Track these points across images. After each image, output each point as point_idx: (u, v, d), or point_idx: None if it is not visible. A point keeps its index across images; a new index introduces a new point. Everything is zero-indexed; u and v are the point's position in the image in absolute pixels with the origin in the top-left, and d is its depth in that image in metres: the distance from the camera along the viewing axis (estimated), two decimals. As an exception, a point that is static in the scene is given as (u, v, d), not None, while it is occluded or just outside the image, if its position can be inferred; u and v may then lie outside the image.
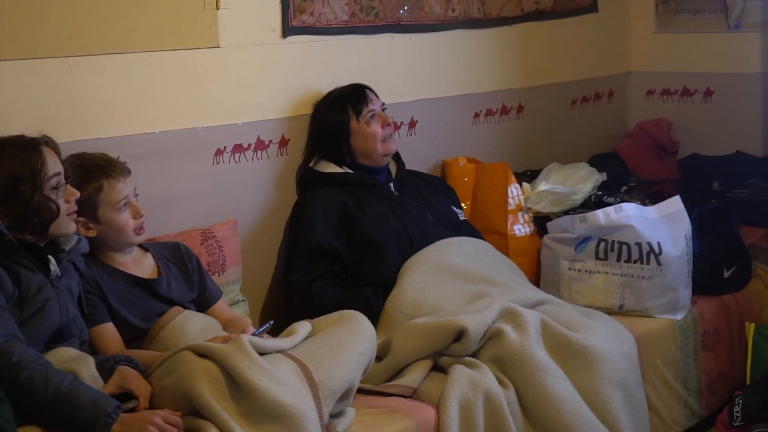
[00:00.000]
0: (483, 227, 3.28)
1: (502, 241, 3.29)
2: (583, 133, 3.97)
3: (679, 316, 3.13)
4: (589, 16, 3.92)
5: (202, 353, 2.16)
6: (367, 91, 3.07)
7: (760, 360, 3.20)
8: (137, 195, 2.47)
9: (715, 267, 3.34)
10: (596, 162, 3.76)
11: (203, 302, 2.57)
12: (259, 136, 2.97)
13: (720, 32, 3.90)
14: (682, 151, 4.00)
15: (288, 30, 3.00)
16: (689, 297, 3.19)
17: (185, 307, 2.47)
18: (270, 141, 3.00)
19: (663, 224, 3.21)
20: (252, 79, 2.95)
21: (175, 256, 2.56)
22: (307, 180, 3.05)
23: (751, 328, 3.25)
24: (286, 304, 2.92)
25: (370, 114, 3.03)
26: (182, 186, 2.80)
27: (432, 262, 2.91)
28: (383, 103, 3.08)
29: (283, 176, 3.05)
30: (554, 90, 3.86)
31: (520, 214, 3.37)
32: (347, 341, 2.35)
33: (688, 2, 3.94)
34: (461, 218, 3.18)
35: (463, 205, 3.32)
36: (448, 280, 2.88)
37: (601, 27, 3.98)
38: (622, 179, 3.72)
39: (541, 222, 3.37)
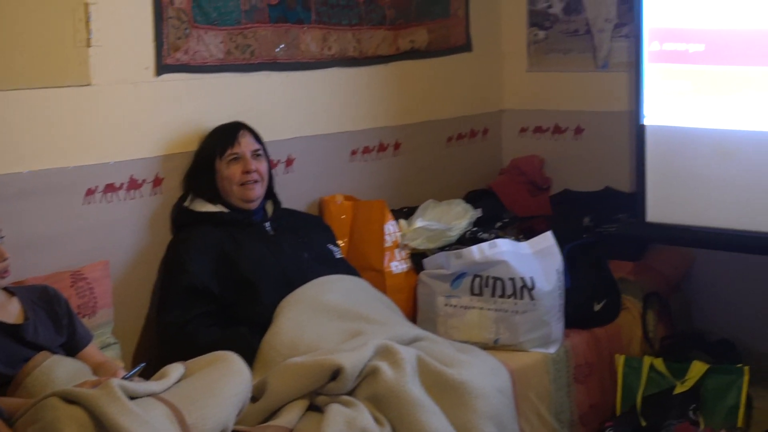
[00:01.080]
0: (360, 264, 3.29)
1: (378, 278, 3.31)
2: (458, 169, 4.04)
3: (552, 350, 3.19)
4: (464, 55, 4.00)
5: (69, 399, 2.10)
6: (240, 133, 3.05)
7: (629, 391, 3.29)
8: (2, 237, 2.40)
9: (586, 301, 3.42)
10: (472, 198, 3.83)
11: (73, 346, 2.50)
12: (132, 175, 2.92)
13: (589, 72, 4.02)
14: (555, 187, 4.10)
15: (162, 68, 2.98)
16: (562, 330, 3.26)
17: (53, 352, 2.41)
18: (144, 180, 2.96)
19: (536, 259, 3.28)
20: (125, 117, 2.91)
21: (42, 299, 2.49)
22: (181, 219, 3.02)
23: (620, 360, 3.34)
24: (160, 345, 2.87)
25: (232, 156, 3.02)
26: (51, 227, 2.74)
27: (308, 300, 2.91)
28: (260, 147, 3.07)
29: (157, 216, 3.01)
30: (430, 127, 3.91)
31: (396, 251, 3.40)
32: (221, 383, 2.32)
33: (558, 42, 4.06)
34: (338, 256, 3.19)
35: (340, 242, 3.33)
36: (324, 319, 2.88)
37: (476, 66, 4.06)
38: (497, 215, 3.78)
39: (417, 258, 3.40)
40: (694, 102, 3.20)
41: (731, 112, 3.13)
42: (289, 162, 3.39)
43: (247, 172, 3.00)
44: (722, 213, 3.22)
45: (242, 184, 3.01)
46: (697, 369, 3.25)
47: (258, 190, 3.05)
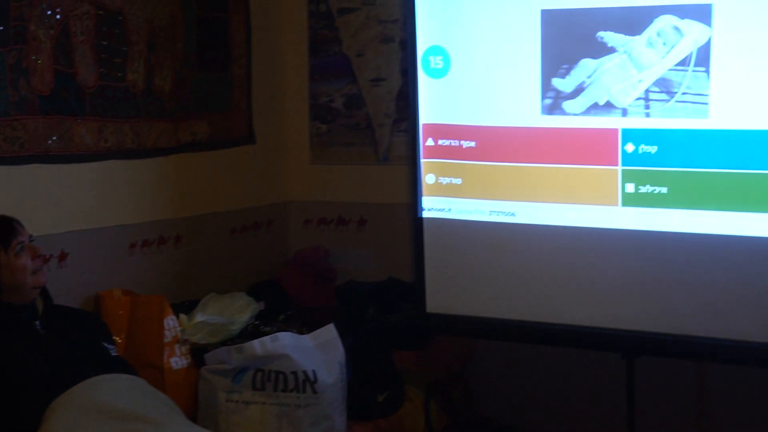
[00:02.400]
0: (138, 361, 3.19)
1: (158, 375, 3.21)
2: (243, 262, 4.01)
3: (335, 443, 3.18)
4: (247, 147, 4.01)
5: None
6: (15, 223, 2.93)
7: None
8: (32, 239, 2.21)
9: (369, 392, 3.44)
10: (256, 291, 3.80)
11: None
12: None
13: (371, 165, 4.11)
14: (340, 278, 4.12)
15: (-73, 161, 2.84)
16: (344, 423, 3.25)
17: None
18: None
19: (318, 352, 3.28)
20: None
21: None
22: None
23: (403, 451, 3.36)
24: None
25: (20, 246, 2.89)
26: None
27: (80, 402, 2.78)
28: (31, 235, 2.95)
29: None
30: (213, 220, 3.88)
31: (176, 346, 3.32)
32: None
33: (341, 136, 4.14)
34: (113, 354, 3.08)
35: (117, 339, 3.22)
36: (97, 421, 2.75)
37: (259, 158, 4.07)
38: (282, 307, 3.77)
39: (199, 354, 3.33)
40: (468, 196, 3.30)
41: (501, 206, 3.25)
42: (62, 256, 3.26)
43: (38, 256, 2.88)
44: (499, 303, 3.32)
45: (34, 272, 2.88)
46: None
47: (46, 275, 2.92)
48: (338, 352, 3.31)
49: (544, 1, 3.07)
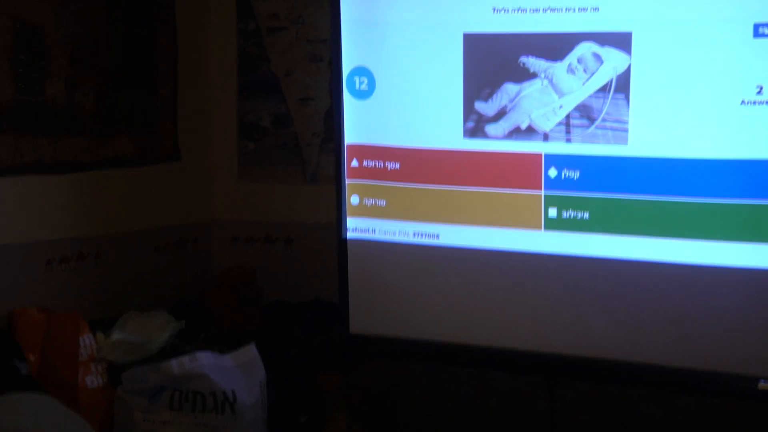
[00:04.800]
0: (52, 380, 3.14)
1: (72, 394, 3.16)
2: (166, 280, 3.96)
3: (253, 467, 3.14)
4: (172, 164, 3.96)
5: None
6: None
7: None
8: None
9: (290, 414, 3.41)
10: (179, 309, 3.75)
11: None
12: None
13: (298, 184, 4.08)
14: (266, 298, 4.09)
15: None
16: (263, 445, 3.22)
17: None
18: None
19: (238, 372, 3.24)
20: None
21: None
22: None
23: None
24: None
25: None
26: None
27: (-15, 422, 2.72)
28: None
29: None
30: (136, 237, 3.83)
31: (92, 365, 3.26)
32: None
33: (269, 155, 4.11)
34: (23, 372, 3.02)
35: (30, 357, 3.16)
36: (2, 442, 2.69)
37: (185, 175, 4.03)
38: (203, 327, 3.73)
39: (116, 373, 3.27)
40: (392, 218, 3.29)
41: (425, 229, 3.24)
42: (-25, 273, 3.21)
43: None
44: (422, 325, 3.31)
45: None
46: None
47: None
48: (259, 372, 3.27)
49: (466, 25, 3.08)
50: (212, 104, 4.17)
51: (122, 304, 3.65)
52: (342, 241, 3.40)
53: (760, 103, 2.80)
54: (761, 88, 2.80)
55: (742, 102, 2.82)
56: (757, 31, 2.79)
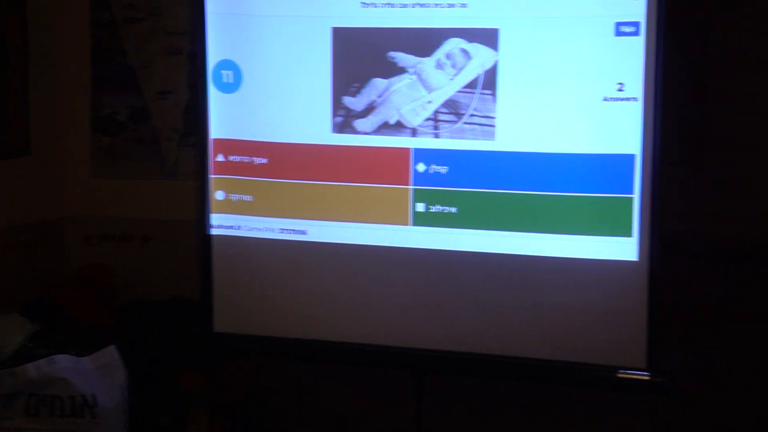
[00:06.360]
0: None
1: None
2: (17, 280, 3.78)
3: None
4: (21, 159, 3.79)
5: None
6: None
7: None
8: None
9: (151, 415, 3.32)
10: (32, 311, 3.59)
11: None
12: None
13: (157, 180, 3.98)
14: (123, 298, 3.96)
15: None
16: (125, 450, 3.13)
17: None
18: None
19: (98, 375, 3.15)
20: None
21: None
22: None
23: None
24: None
25: None
26: None
27: None
28: None
29: None
30: (-18, 236, 3.65)
31: (-59, 372, 3.10)
32: None
33: (125, 150, 3.98)
34: None
35: None
36: None
37: (35, 170, 3.86)
38: (59, 328, 3.58)
39: (-34, 379, 3.12)
40: (258, 214, 3.24)
41: (292, 225, 3.21)
42: None
43: None
44: (289, 322, 3.28)
45: None
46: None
47: None
48: (120, 374, 3.18)
49: (335, 19, 3.06)
50: (65, 97, 4.01)
51: (-30, 306, 3.48)
52: (205, 237, 3.33)
53: (622, 99, 2.89)
54: (622, 86, 2.89)
55: (605, 99, 2.91)
56: (618, 29, 2.88)
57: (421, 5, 2.99)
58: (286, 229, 3.23)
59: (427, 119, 3.04)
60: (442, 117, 3.03)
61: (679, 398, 3.10)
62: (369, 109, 3.08)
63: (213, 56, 3.20)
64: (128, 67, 3.96)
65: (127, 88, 3.97)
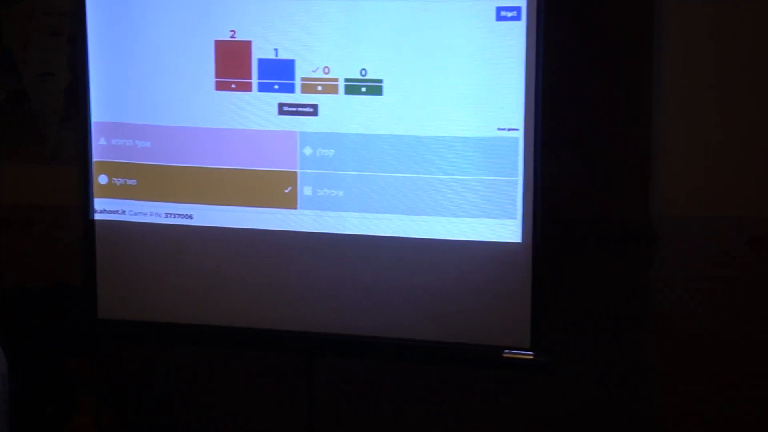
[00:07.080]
0: None
1: None
2: None
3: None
4: None
5: None
6: None
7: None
8: None
9: (36, 404, 3.26)
10: None
11: None
12: None
13: (38, 164, 3.87)
14: (4, 284, 3.86)
15: None
16: (8, 441, 3.05)
17: None
18: None
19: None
20: None
21: None
22: None
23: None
24: None
25: None
26: None
27: None
28: None
29: None
30: None
31: None
32: None
33: (3, 133, 3.87)
34: None
35: None
36: None
37: None
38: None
39: None
40: (143, 198, 3.20)
41: (178, 209, 3.18)
42: None
43: None
44: (176, 307, 3.24)
45: None
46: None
47: None
48: (1, 363, 3.09)
49: None
50: (-63, 79, 3.87)
51: None
52: (88, 223, 3.27)
53: (504, 83, 2.93)
54: (504, 70, 2.93)
55: (488, 82, 2.94)
56: (500, 14, 2.92)
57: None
58: (172, 214, 3.19)
59: (309, 101, 3.04)
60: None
61: (562, 376, 3.17)
62: (255, 92, 3.06)
63: (93, 37, 3.13)
64: (6, 49, 3.84)
65: (4, 71, 3.85)
